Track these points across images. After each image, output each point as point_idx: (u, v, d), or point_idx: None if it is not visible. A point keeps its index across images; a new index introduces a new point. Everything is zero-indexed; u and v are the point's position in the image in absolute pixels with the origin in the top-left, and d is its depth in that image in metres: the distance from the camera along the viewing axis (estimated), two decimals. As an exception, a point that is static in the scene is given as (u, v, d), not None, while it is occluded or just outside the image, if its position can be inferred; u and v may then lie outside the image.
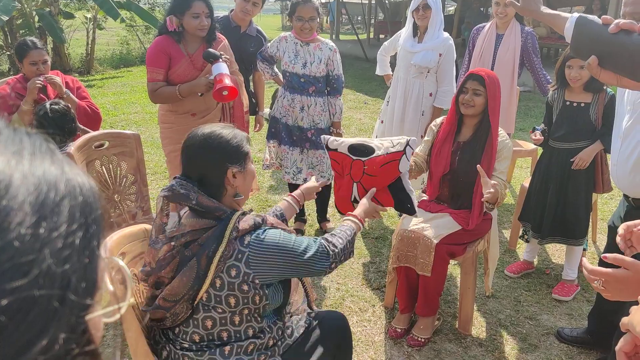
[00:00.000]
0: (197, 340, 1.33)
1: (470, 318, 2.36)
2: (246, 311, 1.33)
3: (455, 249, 2.24)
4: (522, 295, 2.70)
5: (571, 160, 2.50)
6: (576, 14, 1.94)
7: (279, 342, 1.44)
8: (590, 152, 2.47)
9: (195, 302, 1.28)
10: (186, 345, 1.33)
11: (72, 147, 2.33)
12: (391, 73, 3.51)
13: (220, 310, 1.30)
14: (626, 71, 1.11)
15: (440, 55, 3.09)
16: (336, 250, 1.41)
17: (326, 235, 1.45)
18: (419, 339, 2.27)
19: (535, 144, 2.69)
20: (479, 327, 2.42)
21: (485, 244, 2.43)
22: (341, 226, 1.54)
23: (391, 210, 3.66)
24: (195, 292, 1.27)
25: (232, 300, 1.29)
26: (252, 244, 1.28)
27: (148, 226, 1.56)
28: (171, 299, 1.27)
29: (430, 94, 3.18)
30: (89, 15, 9.24)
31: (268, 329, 1.42)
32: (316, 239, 1.41)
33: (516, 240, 3.18)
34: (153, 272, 1.31)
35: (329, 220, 3.36)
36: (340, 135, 3.05)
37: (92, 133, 2.49)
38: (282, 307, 1.46)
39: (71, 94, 2.79)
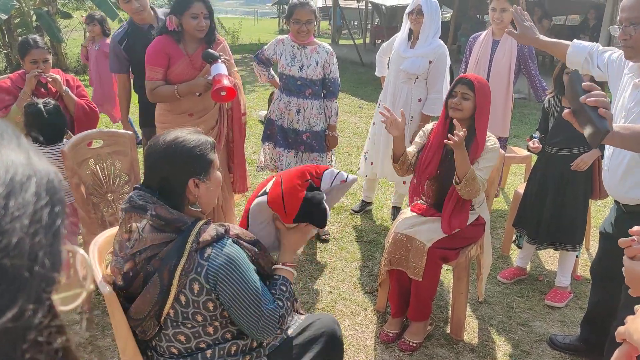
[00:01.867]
0: (177, 353, 1.30)
1: (462, 323, 2.36)
2: (217, 323, 1.30)
3: (448, 253, 2.23)
4: (514, 302, 2.70)
5: (571, 164, 2.50)
6: (576, 42, 1.98)
7: (264, 343, 1.42)
8: (591, 155, 2.49)
9: (162, 318, 1.25)
10: (167, 356, 1.32)
11: (66, 145, 2.32)
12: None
13: (189, 326, 1.27)
14: (585, 134, 1.44)
15: (430, 62, 3.09)
16: (283, 312, 1.34)
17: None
18: (411, 344, 2.26)
19: (533, 152, 2.68)
20: (471, 333, 2.42)
21: (478, 249, 2.43)
22: (274, 284, 1.40)
23: (385, 214, 3.66)
24: (160, 308, 1.22)
25: (199, 317, 1.26)
26: (212, 258, 1.22)
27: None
28: (137, 317, 1.24)
29: (420, 100, 3.19)
30: (84, 15, 9.22)
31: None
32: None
33: (509, 246, 3.19)
34: (122, 288, 1.28)
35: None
36: (335, 138, 3.06)
37: (87, 132, 2.47)
38: None
39: (70, 92, 2.79)
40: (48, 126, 2.44)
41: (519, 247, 2.93)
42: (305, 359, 1.46)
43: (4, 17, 7.10)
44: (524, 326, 2.49)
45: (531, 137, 2.64)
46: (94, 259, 1.27)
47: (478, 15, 11.83)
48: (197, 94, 2.50)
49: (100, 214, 2.45)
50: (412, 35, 3.15)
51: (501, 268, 3.02)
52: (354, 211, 3.66)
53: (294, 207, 1.43)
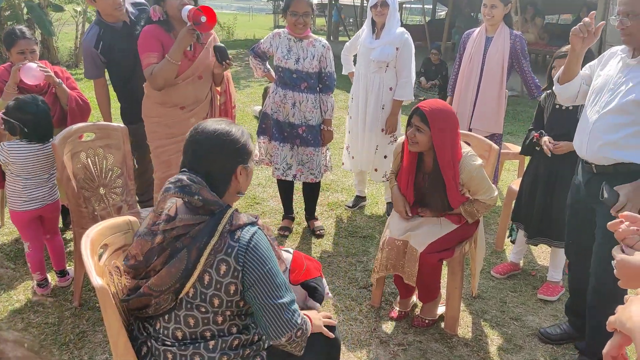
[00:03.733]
0: (180, 338, 1.30)
1: (456, 318, 2.36)
2: (229, 312, 1.31)
3: (445, 254, 2.23)
4: (507, 297, 2.71)
5: (554, 144, 2.46)
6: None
7: (264, 337, 1.42)
8: (571, 145, 2.42)
9: (180, 295, 1.26)
10: (169, 342, 1.31)
11: (57, 138, 2.28)
12: (354, 71, 3.59)
13: (203, 310, 1.28)
14: None
15: (397, 49, 3.17)
16: (304, 332, 1.34)
17: None
18: (425, 321, 2.37)
19: (552, 150, 2.47)
20: (465, 328, 2.42)
21: (472, 245, 2.44)
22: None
23: (379, 209, 3.66)
24: (181, 285, 1.24)
25: (216, 301, 1.26)
26: (241, 239, 1.26)
27: (132, 218, 1.53)
28: (156, 289, 1.25)
29: (390, 89, 3.28)
30: (78, 9, 9.11)
31: (253, 325, 1.40)
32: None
33: (503, 241, 3.20)
34: (140, 264, 1.29)
35: (317, 219, 3.35)
36: (330, 132, 3.05)
37: (78, 125, 2.44)
38: None
39: (64, 85, 2.73)
40: (44, 125, 2.38)
41: (513, 242, 2.94)
42: (303, 356, 1.45)
43: (19, 25, 6.97)
44: (517, 320, 2.50)
45: (541, 134, 2.54)
46: (86, 251, 1.25)
47: (472, 13, 11.84)
48: (189, 48, 2.43)
49: (91, 208, 2.42)
50: (376, 28, 3.23)
51: (495, 263, 3.03)
52: (349, 207, 3.66)
53: (307, 274, 1.68)
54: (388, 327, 2.39)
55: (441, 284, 2.42)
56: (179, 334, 1.30)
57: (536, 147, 2.59)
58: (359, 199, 3.70)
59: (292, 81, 2.87)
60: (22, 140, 2.34)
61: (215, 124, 1.37)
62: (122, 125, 2.58)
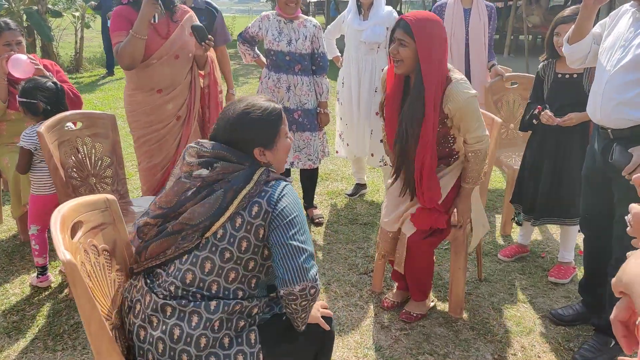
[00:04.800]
0: (188, 282, 1.27)
1: (461, 301, 2.26)
2: (251, 264, 1.30)
3: (436, 239, 2.09)
4: (516, 279, 2.60)
5: (561, 120, 2.33)
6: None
7: (260, 314, 1.36)
8: (583, 116, 2.30)
9: (207, 234, 1.26)
10: (172, 289, 1.27)
11: (42, 126, 2.21)
12: (339, 55, 3.52)
13: (227, 256, 1.27)
14: None
15: (387, 28, 3.07)
16: (316, 290, 1.27)
17: None
18: (413, 314, 2.21)
19: (549, 123, 2.37)
20: (470, 311, 2.32)
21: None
22: None
23: (380, 196, 3.56)
24: (211, 222, 1.26)
25: (244, 244, 1.27)
26: (275, 186, 1.31)
27: (110, 196, 1.45)
28: (187, 223, 1.27)
29: (382, 70, 3.15)
30: (77, 14, 9.12)
31: (257, 299, 1.35)
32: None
33: (510, 225, 3.08)
34: (170, 210, 1.31)
35: (316, 207, 3.26)
36: (327, 115, 2.96)
37: (64, 113, 2.37)
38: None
39: (54, 78, 2.68)
40: (63, 101, 2.42)
41: (519, 224, 2.82)
42: (291, 344, 1.37)
43: (3, 18, 6.99)
44: (526, 303, 2.39)
45: (544, 108, 2.40)
46: (55, 226, 1.17)
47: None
48: (154, 20, 2.33)
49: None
50: (362, 9, 3.14)
51: (502, 246, 2.92)
52: (349, 195, 3.56)
53: None
54: (390, 312, 2.29)
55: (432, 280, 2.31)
56: (189, 277, 1.27)
57: (534, 121, 2.46)
58: (359, 187, 3.60)
59: (285, 64, 2.79)
60: (39, 124, 2.30)
61: (246, 100, 1.38)
62: (110, 113, 2.52)
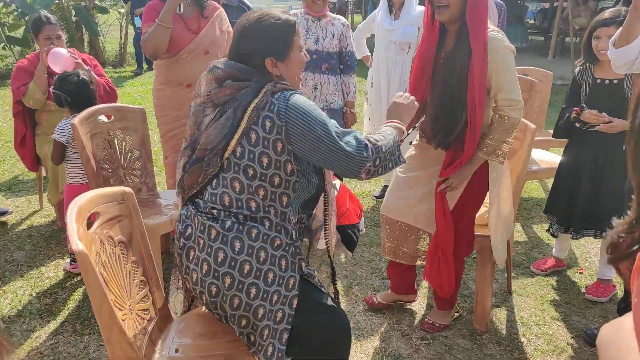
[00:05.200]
0: (227, 204, 1.31)
1: (487, 313, 2.15)
2: (276, 180, 1.30)
3: (467, 248, 1.99)
4: (549, 294, 2.46)
5: (601, 124, 2.17)
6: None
7: (298, 259, 1.38)
8: (626, 124, 2.16)
9: (226, 155, 1.29)
10: (215, 212, 1.32)
11: (76, 118, 2.27)
12: (369, 54, 3.47)
13: (251, 173, 1.29)
14: None
15: (419, 29, 3.00)
16: (378, 144, 1.33)
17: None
18: (436, 325, 2.11)
19: (595, 122, 2.20)
20: (497, 325, 2.21)
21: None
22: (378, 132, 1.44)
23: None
24: (227, 142, 1.28)
25: (265, 160, 1.28)
26: (281, 97, 1.29)
27: (127, 189, 1.46)
28: (205, 147, 1.31)
29: None
30: (122, 11, 9.44)
31: (291, 224, 1.36)
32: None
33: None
34: (195, 140, 1.37)
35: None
36: (354, 115, 2.91)
37: (97, 106, 2.43)
38: (311, 202, 1.43)
39: (92, 71, 2.76)
40: (91, 96, 2.48)
41: (554, 235, 2.67)
42: (316, 312, 1.38)
43: (44, 12, 7.31)
44: (559, 321, 2.25)
45: (582, 109, 2.24)
46: (71, 216, 1.18)
47: None
48: (179, 10, 2.37)
49: (110, 189, 2.40)
50: (394, 8, 3.08)
51: (535, 258, 2.78)
52: (376, 197, 3.49)
53: (346, 219, 1.63)
54: (411, 319, 2.22)
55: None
56: (226, 199, 1.31)
57: (576, 124, 2.31)
58: (387, 189, 3.52)
59: (312, 62, 2.76)
60: (72, 116, 2.37)
61: (266, 9, 1.39)
62: (140, 107, 2.56)
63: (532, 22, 13.19)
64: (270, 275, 1.30)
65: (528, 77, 3.28)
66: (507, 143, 1.82)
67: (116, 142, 2.44)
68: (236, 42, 1.38)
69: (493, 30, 1.75)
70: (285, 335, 1.32)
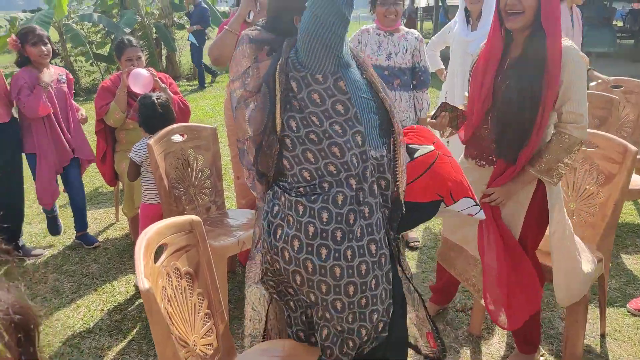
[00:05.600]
0: (309, 178, 1.30)
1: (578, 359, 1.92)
2: (337, 127, 1.26)
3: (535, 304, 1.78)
4: (650, 339, 2.16)
5: None
6: None
7: (391, 246, 1.38)
8: None
9: (278, 130, 1.29)
10: (302, 190, 1.30)
11: (152, 138, 2.34)
12: (443, 67, 3.31)
13: (314, 138, 1.27)
14: None
15: None
16: None
17: None
18: None
19: None
20: (589, 373, 1.96)
21: (603, 265, 1.97)
22: None
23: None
24: (272, 115, 1.29)
25: (315, 119, 1.27)
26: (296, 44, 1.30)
27: (196, 218, 1.44)
28: (258, 133, 1.32)
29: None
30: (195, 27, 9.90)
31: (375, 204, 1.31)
32: None
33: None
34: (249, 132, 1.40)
35: (411, 229, 3.06)
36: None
37: (171, 126, 2.49)
38: (383, 128, 1.37)
39: (168, 89, 2.87)
40: (159, 118, 2.50)
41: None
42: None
43: (128, 30, 7.86)
44: (663, 371, 1.96)
45: None
46: (139, 251, 1.17)
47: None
48: (249, 17, 2.38)
49: (182, 207, 2.44)
50: (471, 18, 2.89)
51: (632, 295, 2.46)
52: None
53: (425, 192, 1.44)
54: (489, 359, 2.03)
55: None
56: (307, 174, 1.30)
57: None
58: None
59: (384, 79, 2.65)
60: (149, 137, 2.44)
61: None
62: (212, 126, 2.60)
63: (620, 24, 12.15)
64: (359, 232, 1.28)
65: (607, 94, 2.96)
66: (566, 164, 1.68)
67: (189, 161, 2.50)
68: (268, 9, 1.43)
69: (565, 38, 1.64)
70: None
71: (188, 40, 8.50)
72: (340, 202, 1.27)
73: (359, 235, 1.28)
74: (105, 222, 3.45)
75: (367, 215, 1.29)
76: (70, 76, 3.07)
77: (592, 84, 3.18)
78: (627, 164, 1.97)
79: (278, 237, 1.32)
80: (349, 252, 1.27)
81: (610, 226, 2.06)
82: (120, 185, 3.28)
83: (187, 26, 9.44)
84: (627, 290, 2.52)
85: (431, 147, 1.50)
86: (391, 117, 1.38)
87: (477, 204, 1.51)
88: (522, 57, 1.66)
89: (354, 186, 1.27)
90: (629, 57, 9.11)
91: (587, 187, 2.12)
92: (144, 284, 1.08)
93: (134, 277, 2.71)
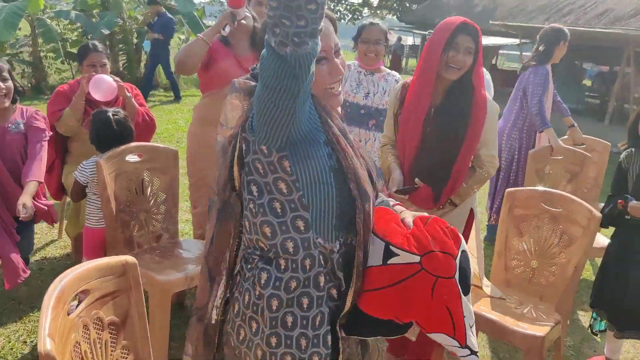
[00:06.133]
0: (244, 246, 1.18)
1: None
2: (277, 206, 1.10)
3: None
4: (602, 405, 2.11)
5: None
6: None
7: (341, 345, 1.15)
8: None
9: (237, 186, 1.14)
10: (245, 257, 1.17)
11: (104, 156, 2.19)
12: None
13: (251, 209, 1.12)
14: None
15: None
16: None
17: None
18: None
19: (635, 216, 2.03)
20: None
21: (560, 329, 1.91)
22: None
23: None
24: (230, 167, 1.13)
25: (259, 166, 1.10)
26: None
27: (130, 259, 1.32)
28: (220, 190, 1.16)
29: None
30: (182, 37, 9.77)
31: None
32: None
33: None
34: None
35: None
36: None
37: (126, 145, 2.34)
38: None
39: (133, 100, 2.70)
40: (114, 136, 2.28)
41: (594, 333, 2.31)
42: None
43: (107, 32, 7.64)
44: None
45: (626, 200, 2.01)
46: (48, 301, 1.03)
47: (576, 62, 10.94)
48: (224, 30, 2.35)
49: (128, 233, 2.29)
50: None
51: (587, 355, 2.43)
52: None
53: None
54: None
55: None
56: (245, 240, 1.17)
57: (625, 217, 2.03)
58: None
59: (359, 117, 2.62)
60: (100, 155, 2.24)
61: None
62: (173, 148, 2.46)
63: (589, 84, 12.71)
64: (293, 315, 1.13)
65: (580, 150, 3.03)
66: (473, 191, 1.96)
67: (143, 183, 2.34)
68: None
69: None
70: None
71: (142, 46, 8.33)
72: (263, 282, 1.12)
73: (289, 324, 1.12)
74: (46, 237, 3.18)
75: (305, 306, 1.12)
76: (40, 116, 2.51)
77: (564, 137, 3.31)
78: (592, 227, 1.97)
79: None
80: (272, 339, 1.12)
81: (570, 288, 2.04)
82: (68, 199, 3.06)
83: (181, 36, 9.33)
84: (582, 348, 2.49)
85: (416, 259, 1.08)
86: (357, 213, 1.11)
87: (463, 347, 1.11)
88: (445, 105, 1.87)
89: (282, 267, 1.11)
90: (594, 116, 9.54)
91: (550, 246, 2.10)
92: (45, 345, 0.94)
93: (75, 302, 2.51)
